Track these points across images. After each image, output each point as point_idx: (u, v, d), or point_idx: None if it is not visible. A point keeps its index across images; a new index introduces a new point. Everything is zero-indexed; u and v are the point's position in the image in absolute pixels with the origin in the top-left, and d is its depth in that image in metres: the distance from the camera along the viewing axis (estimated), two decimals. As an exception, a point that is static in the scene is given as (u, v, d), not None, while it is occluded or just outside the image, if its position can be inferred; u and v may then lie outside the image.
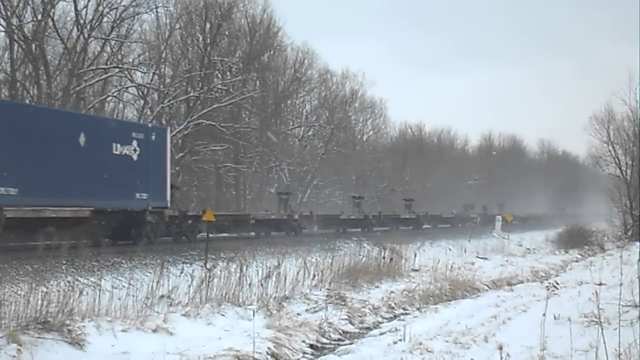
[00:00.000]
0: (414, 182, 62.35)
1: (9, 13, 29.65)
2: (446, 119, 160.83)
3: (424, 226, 41.72)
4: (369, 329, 13.15)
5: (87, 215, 18.55)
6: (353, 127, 57.14)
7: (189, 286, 12.74)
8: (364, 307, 14.56)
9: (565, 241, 36.35)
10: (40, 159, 17.26)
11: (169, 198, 21.78)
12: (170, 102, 36.43)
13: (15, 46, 30.79)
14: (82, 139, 18.53)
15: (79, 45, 32.47)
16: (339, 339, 12.06)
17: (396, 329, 11.68)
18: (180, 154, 36.08)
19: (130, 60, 36.35)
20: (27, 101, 33.59)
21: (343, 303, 14.39)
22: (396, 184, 58.55)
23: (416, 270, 21.12)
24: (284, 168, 45.01)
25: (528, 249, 34.83)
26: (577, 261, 28.47)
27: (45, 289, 9.84)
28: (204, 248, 17.69)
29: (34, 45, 30.73)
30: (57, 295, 9.78)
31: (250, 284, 13.74)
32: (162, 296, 12.10)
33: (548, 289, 13.19)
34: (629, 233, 37.43)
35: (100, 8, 32.46)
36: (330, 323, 12.51)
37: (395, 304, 15.60)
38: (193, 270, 14.40)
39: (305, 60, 49.03)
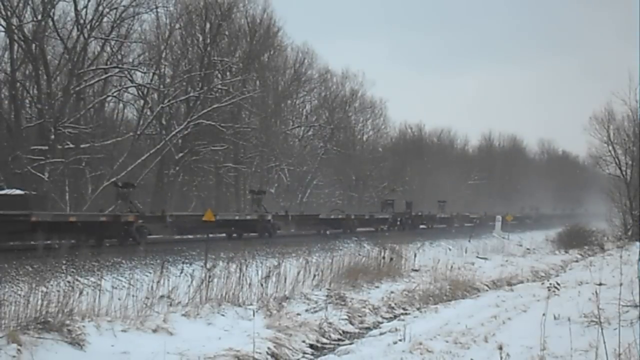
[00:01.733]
0: (414, 182, 62.33)
1: (9, 13, 29.59)
2: (446, 119, 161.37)
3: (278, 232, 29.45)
4: (369, 329, 13.16)
5: None
6: (353, 127, 57.06)
7: (189, 286, 12.74)
8: (364, 307, 14.57)
9: (565, 241, 36.39)
10: None
11: None
12: (170, 102, 36.39)
13: (15, 46, 30.72)
14: None
15: (79, 45, 32.42)
16: (339, 339, 12.07)
17: (396, 329, 11.68)
18: (180, 154, 36.08)
19: (130, 60, 36.33)
20: (27, 101, 33.62)
21: (343, 303, 14.40)
22: (396, 184, 58.51)
23: (416, 270, 21.14)
24: (284, 168, 44.98)
25: (528, 249, 34.89)
26: (577, 261, 28.49)
27: (45, 289, 9.85)
28: (203, 248, 17.69)
29: (34, 45, 30.68)
30: (57, 295, 9.78)
31: (250, 284, 13.74)
32: (162, 296, 12.10)
33: (548, 289, 13.20)
34: (629, 233, 37.45)
35: (100, 8, 32.42)
36: (330, 323, 12.52)
37: (395, 304, 15.61)
38: (193, 270, 14.39)
39: (305, 60, 49.08)
